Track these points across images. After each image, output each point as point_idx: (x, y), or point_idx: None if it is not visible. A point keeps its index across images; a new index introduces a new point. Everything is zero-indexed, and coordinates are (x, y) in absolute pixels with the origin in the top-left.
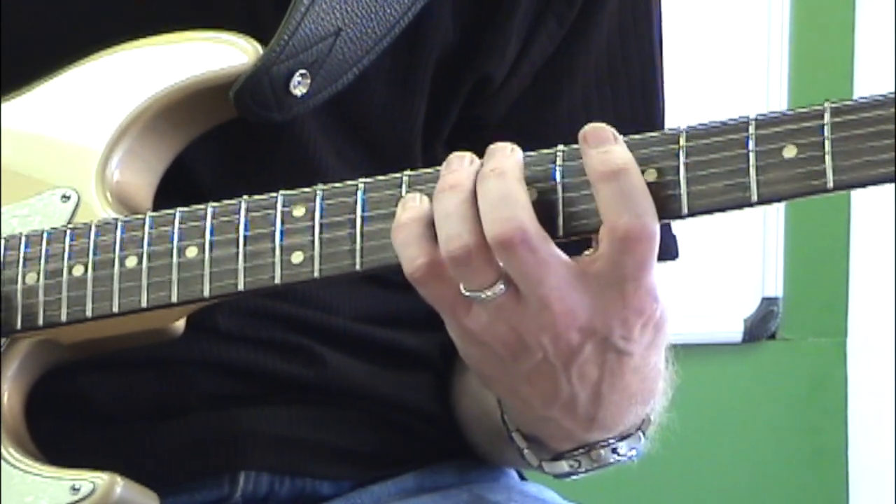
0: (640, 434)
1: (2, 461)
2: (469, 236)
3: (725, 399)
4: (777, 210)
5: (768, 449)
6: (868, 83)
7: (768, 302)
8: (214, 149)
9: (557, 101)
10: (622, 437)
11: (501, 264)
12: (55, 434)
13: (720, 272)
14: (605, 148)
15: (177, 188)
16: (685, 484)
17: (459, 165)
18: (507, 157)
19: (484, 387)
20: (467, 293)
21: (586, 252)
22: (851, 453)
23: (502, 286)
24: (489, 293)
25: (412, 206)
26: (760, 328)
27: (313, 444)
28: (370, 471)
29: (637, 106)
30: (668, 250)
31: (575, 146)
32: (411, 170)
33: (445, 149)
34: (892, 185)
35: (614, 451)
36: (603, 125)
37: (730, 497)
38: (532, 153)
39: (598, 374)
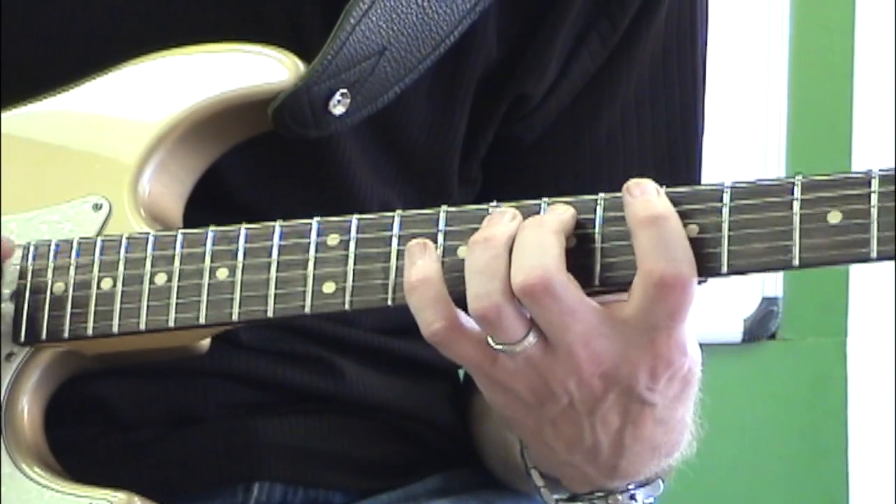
0: (660, 482)
1: (21, 474)
2: (498, 295)
3: (725, 399)
4: None
5: (768, 449)
6: (868, 83)
7: (768, 302)
8: (247, 158)
9: (596, 122)
10: (642, 485)
11: (528, 314)
12: (73, 440)
13: None
14: (648, 197)
15: (208, 196)
16: (685, 484)
17: (499, 221)
18: (553, 211)
19: (507, 429)
20: (497, 347)
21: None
22: (851, 453)
23: (532, 339)
24: (519, 347)
25: (419, 264)
26: (760, 328)
27: (327, 455)
28: (383, 481)
29: (675, 131)
30: None
31: (617, 195)
32: (448, 192)
33: (481, 166)
34: None
35: (632, 497)
36: (647, 180)
37: (730, 497)
38: (572, 198)
39: (621, 422)
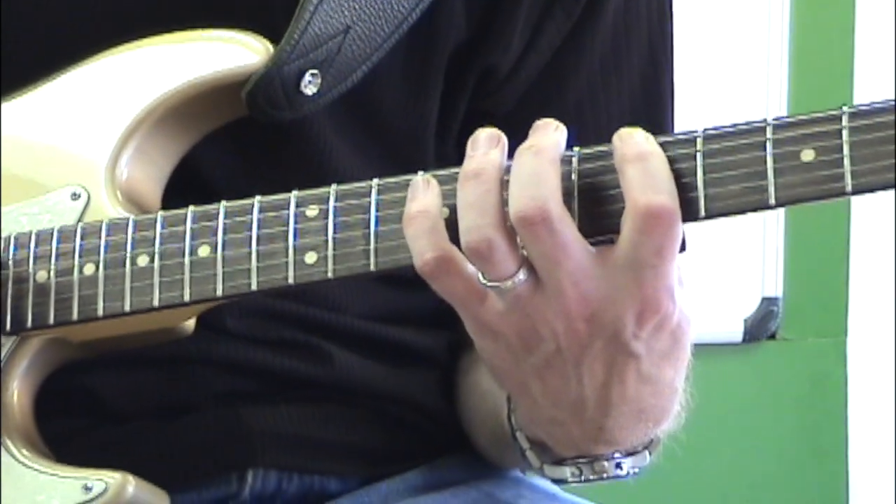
0: (647, 453)
1: (14, 460)
2: (490, 229)
3: (725, 399)
4: (777, 210)
5: (768, 449)
6: (868, 83)
7: (768, 302)
8: (225, 146)
9: (564, 93)
10: (628, 454)
11: (521, 245)
12: (64, 432)
13: (720, 272)
14: (636, 139)
15: (187, 185)
16: (685, 484)
17: (486, 148)
18: (548, 135)
19: (495, 383)
20: (487, 283)
21: None
22: (851, 453)
23: (522, 276)
24: (509, 283)
25: (420, 197)
26: (760, 328)
27: (321, 442)
28: (377, 467)
29: (642, 96)
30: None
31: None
32: (424, 168)
33: (456, 144)
34: None
35: (618, 465)
36: (637, 129)
37: (730, 497)
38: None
39: (606, 375)
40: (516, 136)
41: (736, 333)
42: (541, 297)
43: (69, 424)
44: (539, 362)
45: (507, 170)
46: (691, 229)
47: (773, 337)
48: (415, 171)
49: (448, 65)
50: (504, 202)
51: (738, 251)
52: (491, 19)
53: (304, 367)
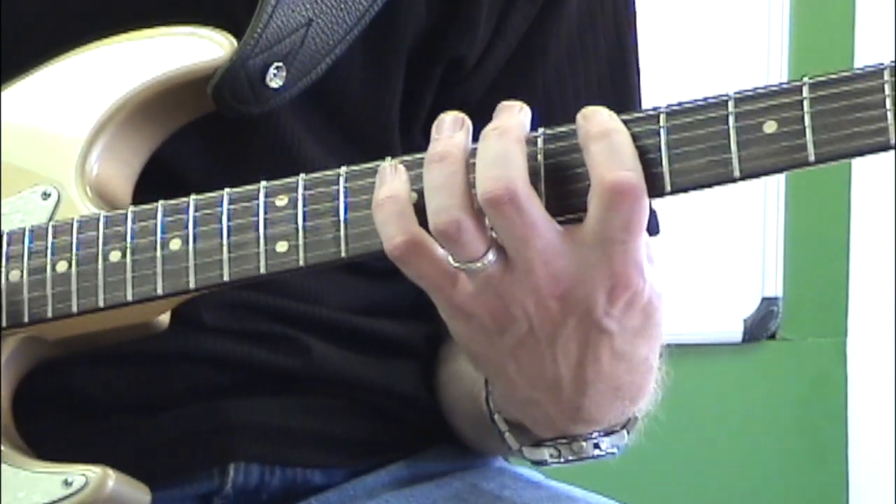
0: (625, 432)
1: None
2: (457, 210)
3: (725, 399)
4: (777, 210)
5: (768, 449)
6: None
7: (768, 302)
8: (194, 141)
9: (532, 79)
10: (606, 433)
11: (490, 225)
12: (43, 430)
13: (720, 272)
14: (599, 117)
15: (158, 182)
16: (685, 484)
17: (451, 132)
18: (512, 116)
19: (472, 367)
20: (457, 265)
21: None
22: (851, 453)
23: (492, 257)
24: (479, 264)
25: (389, 182)
26: (760, 328)
27: (302, 434)
28: (360, 458)
29: (610, 79)
30: (649, 225)
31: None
32: (392, 156)
33: (423, 133)
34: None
35: (596, 445)
36: (601, 107)
37: (730, 497)
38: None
39: (580, 353)
40: (485, 124)
41: (736, 333)
42: (511, 276)
43: (49, 422)
44: (513, 342)
45: (473, 153)
46: (690, 230)
47: (773, 337)
48: (382, 159)
49: (411, 54)
50: (471, 184)
51: (738, 251)
52: (455, 9)
53: (283, 360)
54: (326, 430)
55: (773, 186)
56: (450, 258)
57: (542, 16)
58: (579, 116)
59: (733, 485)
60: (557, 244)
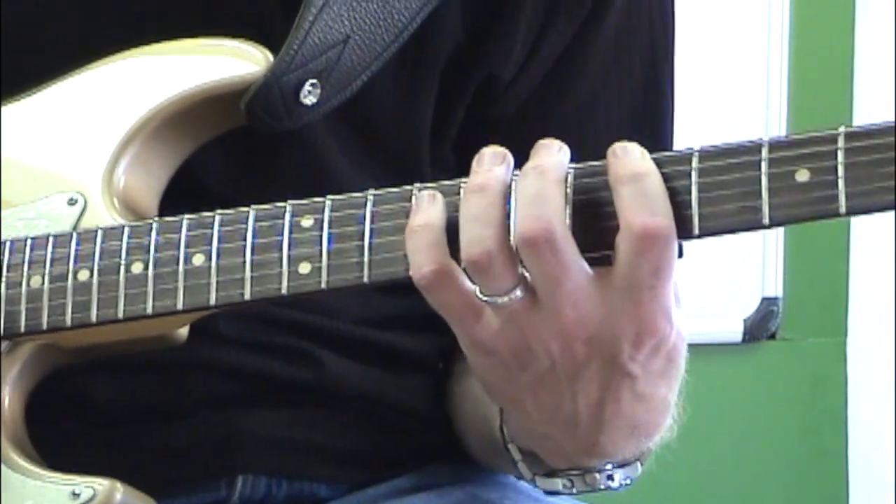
0: (638, 464)
1: (2, 465)
2: (492, 241)
3: (725, 399)
4: None
5: (768, 449)
6: (868, 84)
7: (768, 302)
8: (222, 152)
9: (565, 97)
10: (620, 466)
11: (522, 265)
12: (54, 436)
13: (720, 272)
14: (631, 157)
15: (184, 192)
16: (685, 484)
17: (490, 165)
18: (551, 155)
19: (488, 396)
20: (484, 298)
21: None
22: (851, 453)
23: (519, 293)
24: (505, 299)
25: (425, 210)
26: (760, 328)
27: (311, 447)
28: (368, 472)
29: (643, 100)
30: None
31: (590, 163)
32: (420, 174)
33: (452, 148)
34: None
35: (610, 477)
36: (632, 143)
37: (730, 497)
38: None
39: (601, 394)
40: (518, 142)
41: (736, 333)
42: (537, 315)
43: (60, 428)
44: (532, 379)
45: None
46: None
47: (773, 337)
48: (410, 177)
49: (445, 71)
50: (507, 218)
51: (738, 251)
52: (491, 27)
53: (295, 372)
54: (334, 444)
55: None
56: (477, 290)
57: (580, 35)
58: (609, 153)
59: (733, 485)
60: (587, 288)
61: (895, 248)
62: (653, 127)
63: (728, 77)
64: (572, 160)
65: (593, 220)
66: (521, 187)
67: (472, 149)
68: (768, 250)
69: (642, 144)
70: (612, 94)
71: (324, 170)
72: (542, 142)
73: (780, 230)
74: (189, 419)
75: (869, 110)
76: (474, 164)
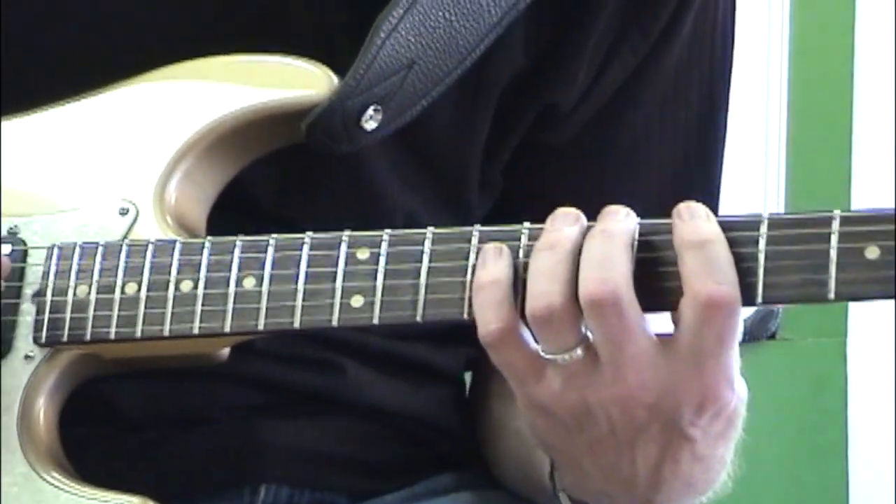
0: None
1: (36, 475)
2: (557, 297)
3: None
4: (777, 210)
5: (768, 449)
6: (868, 83)
7: None
8: (271, 168)
9: (620, 127)
10: None
11: (586, 327)
12: (80, 439)
13: None
14: (697, 221)
15: (230, 205)
16: None
17: (563, 224)
18: (619, 221)
19: (542, 451)
20: (545, 355)
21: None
22: (851, 453)
23: (580, 352)
24: (567, 356)
25: (492, 265)
26: (760, 328)
27: (334, 458)
28: (389, 483)
29: (697, 133)
30: None
31: (655, 221)
32: (469, 201)
33: (502, 170)
34: None
35: None
36: (697, 204)
37: (729, 497)
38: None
39: (660, 455)
40: (568, 169)
41: None
42: (599, 378)
43: (85, 431)
44: (591, 441)
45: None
46: None
47: (773, 337)
48: (459, 199)
49: (504, 97)
50: (574, 277)
51: None
52: (554, 54)
53: (323, 383)
54: (358, 456)
55: (773, 186)
56: (539, 349)
57: (642, 66)
58: (675, 214)
59: (733, 484)
60: (651, 353)
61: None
62: (705, 161)
63: None
64: (625, 189)
65: (655, 279)
66: (589, 249)
67: (522, 172)
68: None
69: (694, 177)
70: (667, 126)
71: (373, 190)
72: (609, 207)
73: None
74: (214, 427)
75: (869, 110)
76: (548, 222)
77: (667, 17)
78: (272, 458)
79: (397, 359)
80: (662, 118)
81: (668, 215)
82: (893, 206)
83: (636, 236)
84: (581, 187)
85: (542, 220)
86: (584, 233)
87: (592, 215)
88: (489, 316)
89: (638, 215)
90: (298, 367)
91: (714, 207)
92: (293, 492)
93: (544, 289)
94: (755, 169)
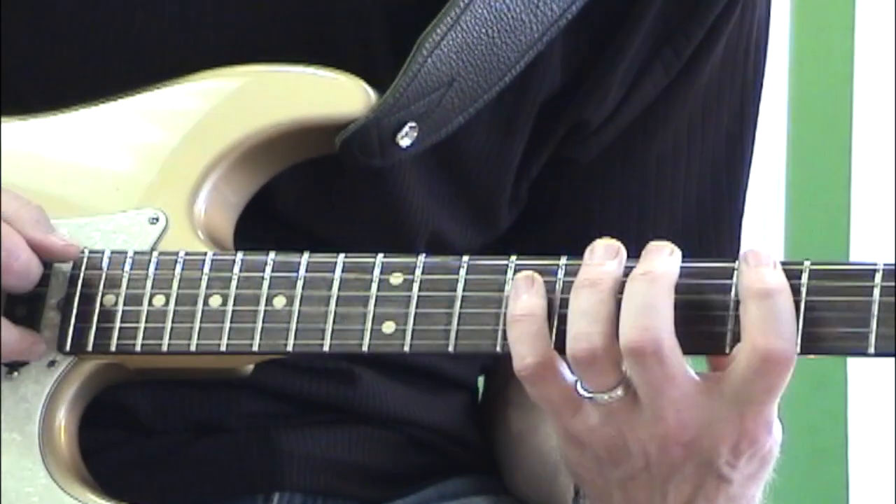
0: None
1: (56, 486)
2: (599, 338)
3: None
4: (777, 209)
5: None
6: (868, 83)
7: None
8: (300, 178)
9: (649, 146)
10: None
11: (626, 369)
12: (95, 444)
13: None
14: (763, 270)
15: (258, 210)
16: None
17: (603, 259)
18: (662, 260)
19: (574, 482)
20: (585, 393)
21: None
22: (851, 453)
23: (621, 392)
24: (606, 396)
25: (525, 297)
26: None
27: (348, 466)
28: (402, 490)
29: (724, 154)
30: None
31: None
32: (499, 218)
33: (530, 186)
34: None
35: None
36: (763, 250)
37: None
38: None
39: (693, 494)
40: (594, 186)
41: None
42: (638, 417)
43: (101, 437)
44: (624, 476)
45: (622, 286)
46: None
47: None
48: (489, 216)
49: (539, 114)
50: (616, 316)
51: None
52: (588, 73)
53: (337, 392)
54: (371, 463)
55: (773, 185)
56: (578, 385)
57: (673, 85)
58: (742, 260)
59: None
60: (692, 395)
61: (895, 248)
62: (734, 180)
63: None
64: (651, 207)
65: (699, 322)
66: (630, 293)
67: (547, 187)
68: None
69: (723, 197)
70: (696, 145)
71: (401, 204)
72: (653, 244)
73: (781, 226)
74: (229, 434)
75: (869, 110)
76: (586, 255)
77: (700, 35)
78: (286, 465)
79: (412, 368)
80: (691, 136)
81: (695, 235)
82: None
83: (678, 277)
84: (608, 204)
85: (567, 238)
86: (625, 268)
87: (619, 233)
88: (524, 350)
89: (664, 234)
90: (314, 377)
91: (739, 227)
92: (306, 499)
93: (586, 330)
94: (755, 169)
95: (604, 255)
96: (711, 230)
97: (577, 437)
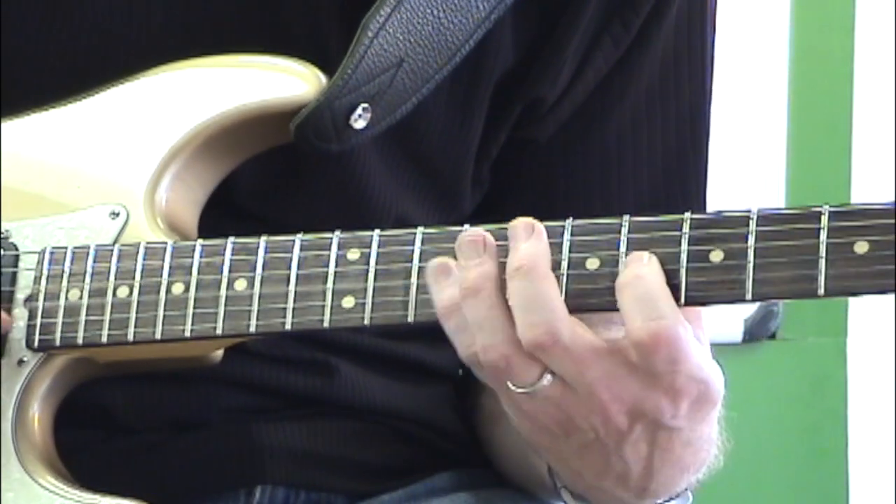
0: (689, 493)
1: (31, 480)
2: (504, 346)
3: (725, 399)
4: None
5: (768, 449)
6: (868, 83)
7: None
8: (258, 168)
9: (606, 122)
10: (671, 498)
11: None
12: (75, 443)
13: None
14: (631, 267)
15: (221, 202)
16: None
17: (471, 258)
18: (529, 245)
19: (534, 452)
20: (515, 390)
21: None
22: (851, 453)
23: (549, 378)
24: (535, 388)
25: (450, 294)
26: (760, 328)
27: (330, 458)
28: (385, 483)
29: (684, 130)
30: None
31: (597, 221)
32: (462, 199)
33: (491, 167)
34: None
35: None
36: (645, 253)
37: (730, 497)
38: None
39: (649, 450)
40: (554, 164)
41: (736, 333)
42: (572, 395)
43: (81, 436)
44: (578, 445)
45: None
46: None
47: (773, 337)
48: (452, 197)
49: (493, 94)
50: (511, 319)
51: None
52: (539, 50)
53: (317, 385)
54: (354, 456)
55: (773, 184)
56: (507, 383)
57: (625, 58)
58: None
59: (733, 484)
60: (614, 370)
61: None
62: (698, 151)
63: (728, 77)
64: (614, 181)
65: (590, 286)
66: (511, 293)
67: (510, 167)
68: None
69: (682, 174)
70: (656, 117)
71: (364, 189)
72: (514, 228)
73: None
74: (209, 430)
75: (869, 110)
76: (459, 258)
77: (647, 9)
78: (266, 459)
79: (391, 359)
80: (650, 109)
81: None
82: (884, 202)
83: (565, 245)
84: (570, 181)
85: (532, 217)
86: (500, 262)
87: (585, 208)
88: (466, 339)
89: (630, 207)
90: (292, 369)
91: (704, 197)
92: (288, 493)
93: (490, 342)
94: (755, 169)
95: (471, 253)
96: (679, 196)
97: (525, 413)
